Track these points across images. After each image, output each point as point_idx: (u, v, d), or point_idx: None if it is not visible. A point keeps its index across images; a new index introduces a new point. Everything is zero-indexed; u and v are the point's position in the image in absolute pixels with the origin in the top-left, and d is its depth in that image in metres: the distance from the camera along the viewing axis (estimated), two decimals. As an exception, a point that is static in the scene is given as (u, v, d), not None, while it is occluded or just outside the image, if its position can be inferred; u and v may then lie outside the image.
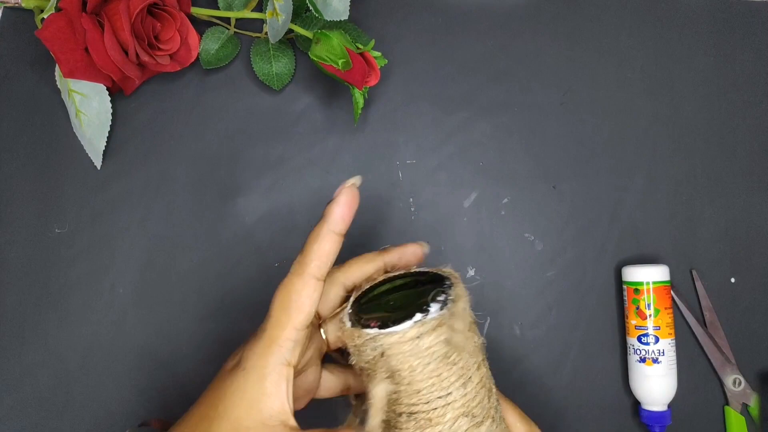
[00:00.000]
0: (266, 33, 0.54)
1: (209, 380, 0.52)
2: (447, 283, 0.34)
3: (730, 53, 0.58)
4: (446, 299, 0.33)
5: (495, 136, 0.56)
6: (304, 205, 0.55)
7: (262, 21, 0.55)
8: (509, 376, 0.52)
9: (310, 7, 0.48)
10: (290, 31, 0.52)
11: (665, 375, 0.49)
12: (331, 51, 0.47)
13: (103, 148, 0.53)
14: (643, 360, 0.50)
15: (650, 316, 0.50)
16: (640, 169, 0.56)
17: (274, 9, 0.49)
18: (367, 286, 0.37)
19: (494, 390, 0.36)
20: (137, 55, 0.49)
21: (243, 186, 0.55)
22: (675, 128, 0.57)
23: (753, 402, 0.52)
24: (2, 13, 0.56)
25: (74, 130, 0.54)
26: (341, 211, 0.34)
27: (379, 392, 0.33)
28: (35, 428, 0.51)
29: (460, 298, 0.34)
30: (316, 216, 0.54)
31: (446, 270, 0.36)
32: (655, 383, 0.49)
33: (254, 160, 0.55)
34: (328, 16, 0.50)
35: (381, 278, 0.37)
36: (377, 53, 0.49)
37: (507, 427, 0.38)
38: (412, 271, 0.37)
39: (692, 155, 0.56)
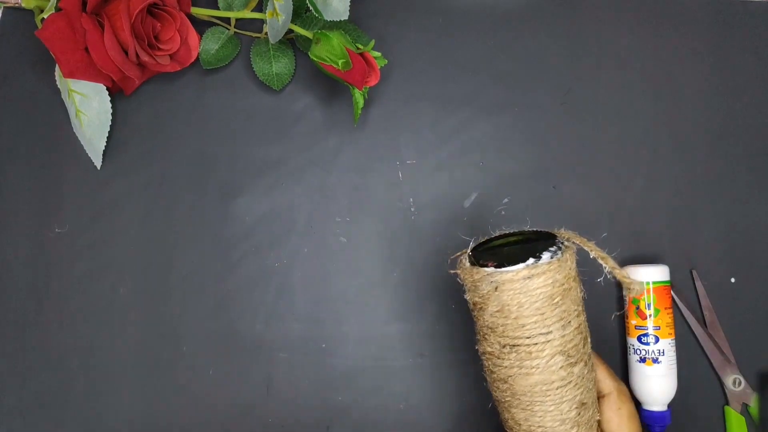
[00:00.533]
0: (266, 33, 0.54)
1: (209, 380, 0.52)
2: (558, 240, 0.39)
3: (730, 53, 0.58)
4: (556, 250, 0.38)
5: (495, 136, 0.56)
6: (304, 205, 0.55)
7: (262, 21, 0.55)
8: (509, 376, 0.52)
9: (310, 7, 0.48)
10: (290, 31, 0.52)
11: (665, 375, 0.49)
12: (331, 51, 0.47)
13: (103, 148, 0.53)
14: (643, 360, 0.50)
15: (650, 316, 0.50)
16: (640, 169, 0.56)
17: (274, 9, 0.49)
18: (483, 239, 0.42)
19: (589, 340, 0.41)
20: (137, 55, 0.49)
21: (243, 186, 0.55)
22: (675, 128, 0.57)
23: (753, 402, 0.52)
24: (2, 13, 0.56)
25: (74, 130, 0.54)
26: None
27: None
28: (36, 428, 0.51)
29: (569, 252, 0.39)
30: (317, 216, 0.55)
31: (559, 231, 0.40)
32: (655, 383, 0.49)
33: (254, 160, 0.55)
34: (328, 16, 0.50)
35: (496, 234, 0.42)
36: (377, 53, 0.49)
37: (596, 377, 0.42)
38: (526, 230, 0.41)
39: (692, 155, 0.56)
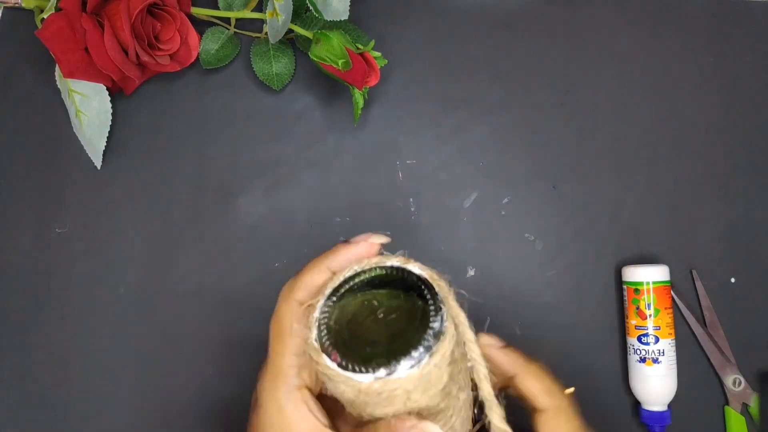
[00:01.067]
0: (266, 33, 0.54)
1: (209, 380, 0.52)
2: (433, 321, 0.29)
3: (730, 53, 0.58)
4: (420, 359, 0.27)
5: (495, 136, 0.56)
6: (304, 205, 0.54)
7: (262, 21, 0.55)
8: (509, 376, 0.52)
9: (310, 7, 0.48)
10: (290, 31, 0.52)
11: (665, 375, 0.49)
12: (331, 51, 0.47)
13: (103, 148, 0.53)
14: (643, 360, 0.50)
15: (650, 316, 0.50)
16: (640, 169, 0.56)
17: (274, 9, 0.49)
18: (339, 282, 0.31)
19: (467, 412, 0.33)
20: (137, 55, 0.49)
21: (243, 186, 0.55)
22: (675, 128, 0.57)
23: (753, 402, 0.52)
24: (2, 13, 0.56)
25: (74, 130, 0.54)
26: (348, 257, 0.32)
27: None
28: (36, 428, 0.51)
29: (445, 342, 0.28)
30: (316, 216, 0.55)
31: (436, 279, 0.31)
32: (655, 383, 0.49)
33: (254, 160, 0.55)
34: (328, 16, 0.50)
35: (352, 272, 0.31)
36: (377, 53, 0.49)
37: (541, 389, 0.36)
38: (400, 267, 0.32)
39: (692, 155, 0.56)
